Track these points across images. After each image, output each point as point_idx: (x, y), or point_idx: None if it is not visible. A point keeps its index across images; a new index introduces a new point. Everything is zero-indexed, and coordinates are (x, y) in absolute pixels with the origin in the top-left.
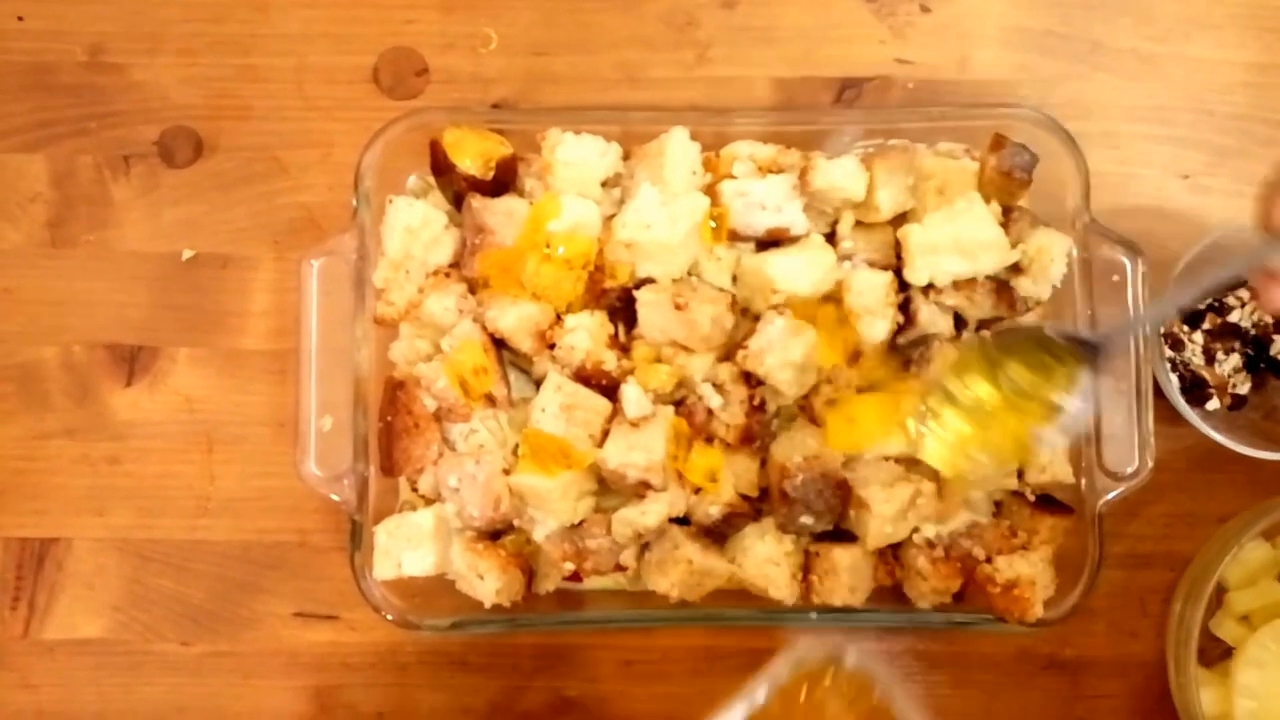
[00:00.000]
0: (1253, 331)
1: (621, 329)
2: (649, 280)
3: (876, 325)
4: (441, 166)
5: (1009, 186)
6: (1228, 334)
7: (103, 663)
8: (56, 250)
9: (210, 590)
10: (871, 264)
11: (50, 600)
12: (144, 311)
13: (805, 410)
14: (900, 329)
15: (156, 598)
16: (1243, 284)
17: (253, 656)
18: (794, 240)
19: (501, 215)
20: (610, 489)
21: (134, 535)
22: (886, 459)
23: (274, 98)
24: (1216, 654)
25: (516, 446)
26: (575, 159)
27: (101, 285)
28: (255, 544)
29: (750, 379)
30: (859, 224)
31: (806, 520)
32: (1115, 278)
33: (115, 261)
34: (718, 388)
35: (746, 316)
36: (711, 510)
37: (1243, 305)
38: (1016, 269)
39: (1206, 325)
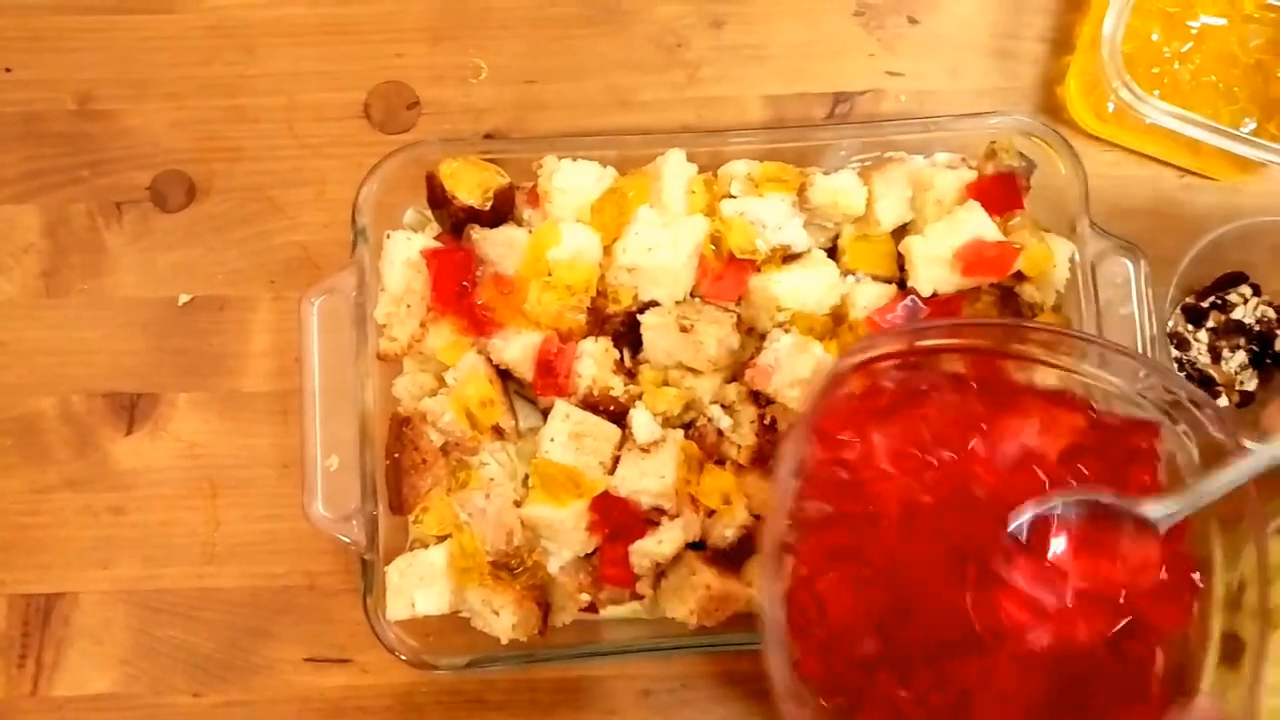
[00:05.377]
0: (1257, 327)
1: (627, 354)
2: (652, 304)
3: None
4: (439, 199)
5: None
6: (1232, 331)
7: (113, 719)
8: (52, 300)
9: (219, 639)
10: (874, 277)
11: (58, 656)
12: (142, 358)
13: None
14: None
15: (166, 649)
16: (1244, 280)
17: (265, 705)
18: (796, 257)
19: (501, 245)
20: None
21: (140, 586)
22: None
23: (265, 138)
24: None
25: (526, 477)
26: (572, 185)
27: (98, 333)
28: (263, 589)
29: (759, 398)
30: (860, 238)
31: None
32: (1118, 280)
33: (111, 309)
34: (727, 409)
35: (752, 335)
36: (727, 533)
37: (1245, 301)
38: (1020, 276)
39: (1211, 323)
